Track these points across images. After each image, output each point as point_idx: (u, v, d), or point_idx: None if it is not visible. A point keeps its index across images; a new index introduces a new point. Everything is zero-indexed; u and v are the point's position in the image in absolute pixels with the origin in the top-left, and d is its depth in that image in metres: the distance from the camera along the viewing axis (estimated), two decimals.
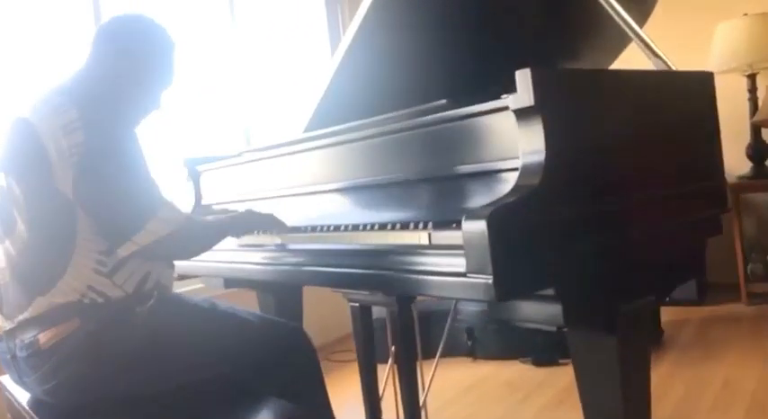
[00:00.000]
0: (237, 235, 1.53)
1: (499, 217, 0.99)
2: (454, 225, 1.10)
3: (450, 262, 1.06)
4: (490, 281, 0.98)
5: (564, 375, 2.63)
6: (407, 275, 1.14)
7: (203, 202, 2.14)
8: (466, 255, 1.02)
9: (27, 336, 1.22)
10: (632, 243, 1.20)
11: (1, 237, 1.28)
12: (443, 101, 1.34)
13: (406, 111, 1.41)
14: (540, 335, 2.83)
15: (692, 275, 1.42)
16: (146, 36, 1.44)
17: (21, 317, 1.24)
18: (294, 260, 1.47)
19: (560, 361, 2.79)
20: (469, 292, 1.03)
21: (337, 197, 1.57)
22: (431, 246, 1.13)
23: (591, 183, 1.13)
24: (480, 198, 1.20)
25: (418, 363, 1.76)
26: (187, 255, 1.37)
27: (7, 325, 1.27)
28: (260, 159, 1.85)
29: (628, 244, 1.18)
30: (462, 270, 1.03)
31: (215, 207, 2.06)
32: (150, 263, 1.30)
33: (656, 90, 1.31)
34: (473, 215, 1.01)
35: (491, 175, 1.19)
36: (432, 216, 1.29)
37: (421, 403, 1.75)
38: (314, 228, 1.46)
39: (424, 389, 1.82)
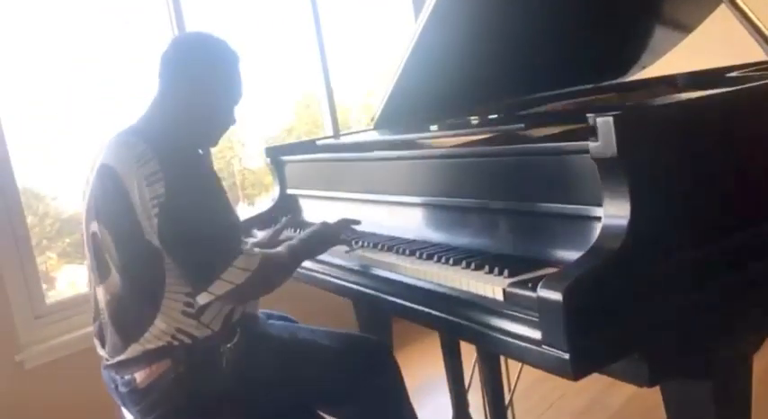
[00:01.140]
0: (311, 257, 1.53)
1: (577, 289, 0.93)
2: (530, 285, 1.04)
3: (526, 329, 1.01)
4: (566, 358, 0.94)
5: None
6: (484, 330, 1.10)
7: (288, 191, 2.15)
8: (540, 327, 0.97)
9: (126, 375, 1.31)
10: (732, 288, 1.09)
11: (97, 282, 1.35)
12: (521, 125, 1.25)
13: (494, 128, 1.34)
14: None
15: None
16: (209, 55, 1.42)
17: (118, 358, 1.32)
18: (370, 283, 1.46)
19: None
20: (546, 364, 0.98)
21: (415, 211, 1.52)
22: (505, 304, 1.08)
23: (683, 233, 1.03)
24: (562, 242, 1.13)
25: None
26: (264, 293, 1.40)
27: (109, 361, 1.36)
28: (338, 160, 1.83)
29: (726, 291, 1.08)
30: (539, 337, 0.99)
31: (299, 197, 2.06)
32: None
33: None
34: (550, 284, 0.95)
35: (575, 220, 1.11)
36: (511, 249, 1.23)
37: (507, 394, 1.74)
38: (384, 246, 1.43)
39: (508, 379, 1.81)
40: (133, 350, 1.30)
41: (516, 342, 1.03)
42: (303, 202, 2.03)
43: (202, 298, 1.25)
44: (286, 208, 2.05)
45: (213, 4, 2.94)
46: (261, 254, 1.29)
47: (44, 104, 2.45)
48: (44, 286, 2.29)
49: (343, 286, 1.54)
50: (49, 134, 2.48)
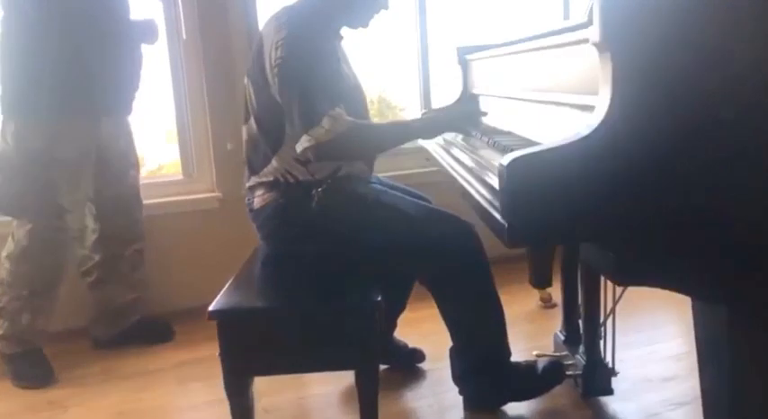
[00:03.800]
0: (425, 137, 1.71)
1: (523, 162, 0.97)
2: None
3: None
4: (505, 225, 1.00)
5: None
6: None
7: (472, 91, 2.30)
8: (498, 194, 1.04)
9: (250, 197, 1.70)
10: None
11: (243, 122, 1.74)
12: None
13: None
14: None
15: None
16: None
17: (247, 184, 1.71)
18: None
19: None
20: (496, 228, 1.05)
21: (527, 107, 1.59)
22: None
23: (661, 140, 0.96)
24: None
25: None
26: (358, 157, 1.63)
27: (244, 186, 1.77)
28: (508, 54, 1.89)
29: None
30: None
31: (481, 96, 2.20)
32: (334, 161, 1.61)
33: None
34: (510, 155, 1.00)
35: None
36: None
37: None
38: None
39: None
40: (254, 180, 1.67)
41: (491, 210, 1.12)
42: (482, 100, 2.17)
43: (298, 147, 1.54)
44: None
45: None
46: (350, 122, 1.51)
47: None
48: None
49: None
50: None
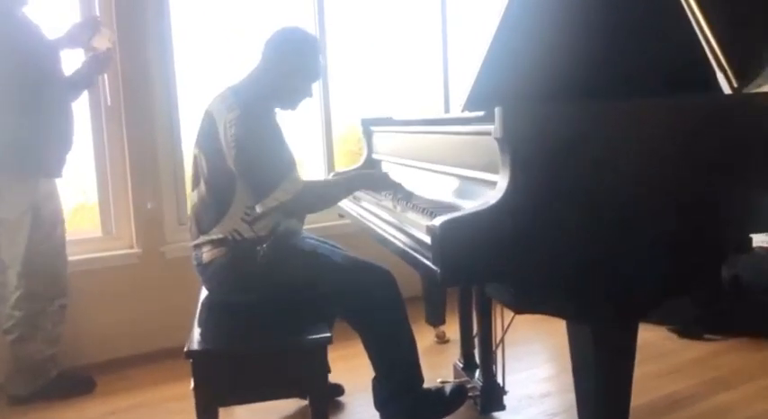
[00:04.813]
0: (361, 188, 2.09)
1: (451, 223, 1.33)
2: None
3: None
4: (438, 271, 1.34)
5: (701, 349, 2.69)
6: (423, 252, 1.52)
7: (373, 156, 2.68)
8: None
9: (198, 253, 1.93)
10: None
11: (192, 188, 1.99)
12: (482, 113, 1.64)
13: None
14: (692, 307, 2.86)
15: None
16: (299, 45, 1.98)
17: (195, 242, 1.94)
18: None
19: (705, 336, 2.82)
20: (432, 274, 1.39)
21: (426, 175, 1.98)
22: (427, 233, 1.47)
23: (546, 205, 1.36)
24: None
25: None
26: (312, 211, 1.95)
27: (192, 243, 1.99)
28: (407, 132, 2.30)
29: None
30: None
31: (382, 162, 2.58)
32: (279, 216, 1.89)
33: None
34: (439, 218, 1.35)
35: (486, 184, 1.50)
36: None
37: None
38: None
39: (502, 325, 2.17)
40: (203, 238, 1.91)
41: (425, 261, 1.46)
42: (383, 165, 2.54)
43: (259, 208, 1.82)
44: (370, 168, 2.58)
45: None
46: (304, 182, 1.83)
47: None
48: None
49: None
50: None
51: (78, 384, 2.52)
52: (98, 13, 2.64)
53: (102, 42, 2.38)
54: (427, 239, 1.43)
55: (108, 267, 2.75)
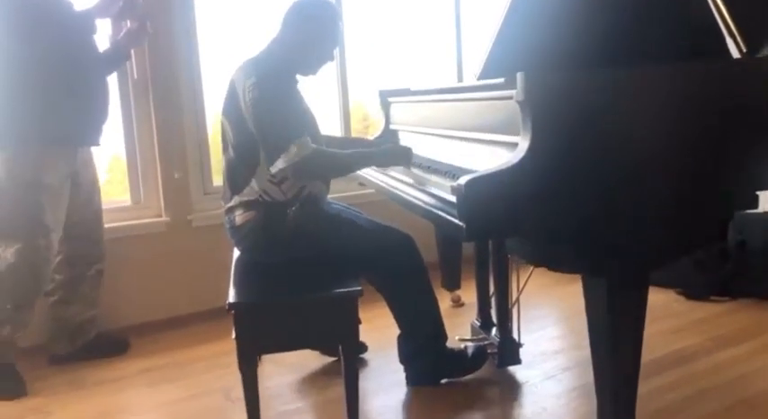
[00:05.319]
0: (376, 165, 2.15)
1: (475, 181, 1.43)
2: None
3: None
4: (462, 226, 1.45)
5: (707, 310, 2.81)
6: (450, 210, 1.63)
7: (391, 127, 2.78)
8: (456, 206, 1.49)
9: (231, 216, 2.04)
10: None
11: (222, 152, 2.09)
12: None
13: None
14: (700, 271, 2.97)
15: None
16: (318, 13, 2.07)
17: (228, 205, 2.06)
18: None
19: (712, 298, 2.93)
20: (457, 230, 1.50)
21: (444, 141, 2.07)
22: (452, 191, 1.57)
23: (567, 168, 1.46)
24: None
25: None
26: (323, 177, 2.03)
27: (224, 206, 2.10)
28: (425, 101, 2.39)
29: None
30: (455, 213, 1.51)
31: (399, 131, 2.68)
32: (298, 178, 1.98)
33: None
34: (464, 178, 1.45)
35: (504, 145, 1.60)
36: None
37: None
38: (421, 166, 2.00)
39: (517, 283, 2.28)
40: (236, 200, 2.02)
41: (451, 218, 1.56)
42: (401, 135, 2.64)
43: (273, 168, 1.91)
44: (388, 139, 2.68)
45: None
46: (314, 148, 1.90)
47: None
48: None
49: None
50: None
51: (114, 345, 2.66)
52: None
53: (134, 13, 2.46)
54: (452, 198, 1.53)
55: (137, 235, 2.87)
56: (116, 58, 2.53)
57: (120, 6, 2.41)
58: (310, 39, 2.06)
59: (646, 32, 1.96)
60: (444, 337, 2.14)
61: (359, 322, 1.72)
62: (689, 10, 1.91)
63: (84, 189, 2.47)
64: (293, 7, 2.09)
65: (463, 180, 1.44)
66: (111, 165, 3.09)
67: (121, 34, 2.52)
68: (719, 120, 1.56)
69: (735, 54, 1.86)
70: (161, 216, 2.94)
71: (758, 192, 1.64)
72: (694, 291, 2.98)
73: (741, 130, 1.58)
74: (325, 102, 3.48)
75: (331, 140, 2.30)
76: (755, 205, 1.64)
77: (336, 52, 2.28)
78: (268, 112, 1.90)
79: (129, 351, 2.67)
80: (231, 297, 1.69)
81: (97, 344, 2.62)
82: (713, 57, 1.85)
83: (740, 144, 1.59)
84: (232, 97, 2.00)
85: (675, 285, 3.02)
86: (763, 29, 2.10)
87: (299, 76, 2.12)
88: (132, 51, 2.71)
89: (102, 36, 2.50)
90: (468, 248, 2.66)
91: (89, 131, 2.42)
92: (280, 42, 2.08)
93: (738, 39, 1.71)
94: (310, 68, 2.13)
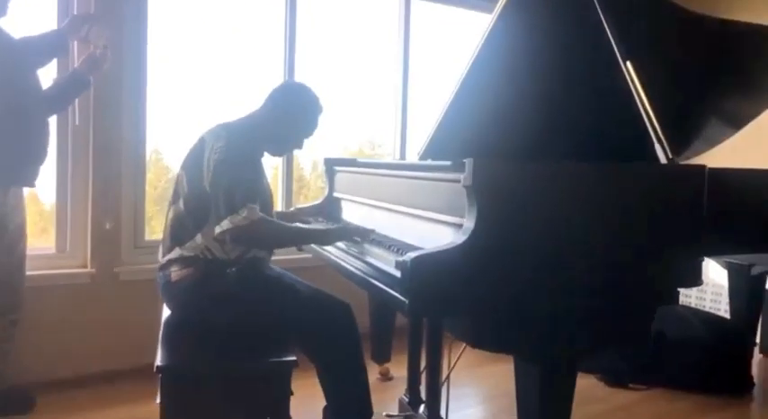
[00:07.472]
0: (318, 244, 2.15)
1: (420, 259, 1.46)
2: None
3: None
4: (406, 302, 1.47)
5: (626, 397, 2.89)
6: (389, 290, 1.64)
7: (335, 194, 2.81)
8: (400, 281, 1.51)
9: (166, 272, 1.99)
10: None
11: (170, 204, 2.06)
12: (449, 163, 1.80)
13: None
14: (621, 359, 3.07)
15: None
16: (303, 102, 2.13)
17: (168, 257, 2.00)
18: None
19: (630, 385, 3.02)
20: (400, 306, 1.51)
21: (386, 214, 2.12)
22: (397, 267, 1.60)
23: (507, 252, 1.51)
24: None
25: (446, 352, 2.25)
26: (263, 245, 2.03)
27: (160, 261, 2.04)
28: (370, 174, 2.44)
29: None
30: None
31: (342, 200, 2.70)
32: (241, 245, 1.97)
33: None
34: (409, 254, 1.48)
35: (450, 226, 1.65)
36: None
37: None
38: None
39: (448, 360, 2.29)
40: (176, 252, 1.98)
41: (392, 292, 1.58)
42: (343, 203, 2.67)
43: (218, 228, 1.89)
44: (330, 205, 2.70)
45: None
46: (262, 216, 1.90)
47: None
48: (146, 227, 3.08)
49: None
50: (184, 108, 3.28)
51: (16, 402, 2.47)
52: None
53: (99, 38, 2.43)
54: (395, 272, 1.56)
55: (59, 285, 2.73)
56: (75, 86, 2.46)
57: (87, 29, 2.38)
58: (288, 122, 2.12)
59: (582, 133, 2.10)
60: (370, 414, 2.11)
61: (291, 393, 1.68)
62: (621, 115, 2.06)
63: (9, 234, 2.36)
64: (283, 87, 2.17)
65: (409, 256, 1.46)
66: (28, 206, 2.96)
67: (81, 60, 2.46)
68: (646, 218, 1.67)
69: (661, 158, 2.02)
70: (86, 267, 2.82)
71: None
72: (614, 378, 3.07)
73: (665, 229, 1.70)
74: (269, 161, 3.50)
75: (283, 216, 2.35)
76: (676, 300, 1.74)
77: None
78: (227, 174, 1.92)
79: (34, 409, 2.49)
80: (159, 359, 1.63)
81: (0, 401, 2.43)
82: (642, 160, 2.00)
83: (663, 242, 1.70)
84: (196, 152, 2.02)
85: (597, 371, 3.11)
86: (686, 137, 2.31)
87: (264, 152, 2.16)
88: (77, 101, 2.66)
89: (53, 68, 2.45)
90: (401, 319, 2.67)
91: (26, 172, 2.33)
92: (258, 115, 2.13)
93: (665, 145, 1.85)
94: (278, 149, 2.20)
